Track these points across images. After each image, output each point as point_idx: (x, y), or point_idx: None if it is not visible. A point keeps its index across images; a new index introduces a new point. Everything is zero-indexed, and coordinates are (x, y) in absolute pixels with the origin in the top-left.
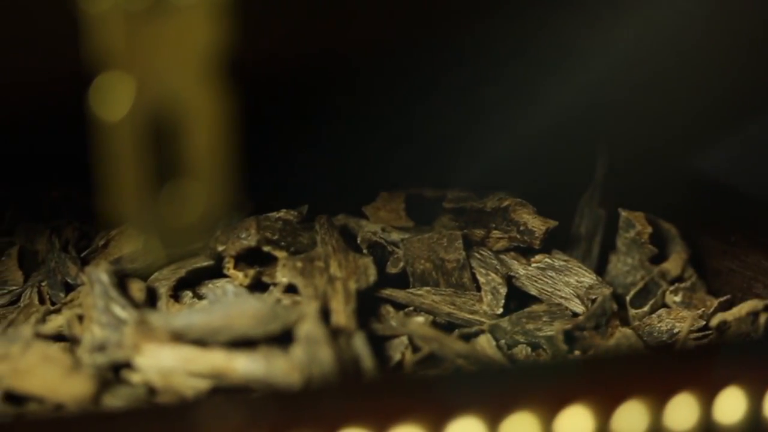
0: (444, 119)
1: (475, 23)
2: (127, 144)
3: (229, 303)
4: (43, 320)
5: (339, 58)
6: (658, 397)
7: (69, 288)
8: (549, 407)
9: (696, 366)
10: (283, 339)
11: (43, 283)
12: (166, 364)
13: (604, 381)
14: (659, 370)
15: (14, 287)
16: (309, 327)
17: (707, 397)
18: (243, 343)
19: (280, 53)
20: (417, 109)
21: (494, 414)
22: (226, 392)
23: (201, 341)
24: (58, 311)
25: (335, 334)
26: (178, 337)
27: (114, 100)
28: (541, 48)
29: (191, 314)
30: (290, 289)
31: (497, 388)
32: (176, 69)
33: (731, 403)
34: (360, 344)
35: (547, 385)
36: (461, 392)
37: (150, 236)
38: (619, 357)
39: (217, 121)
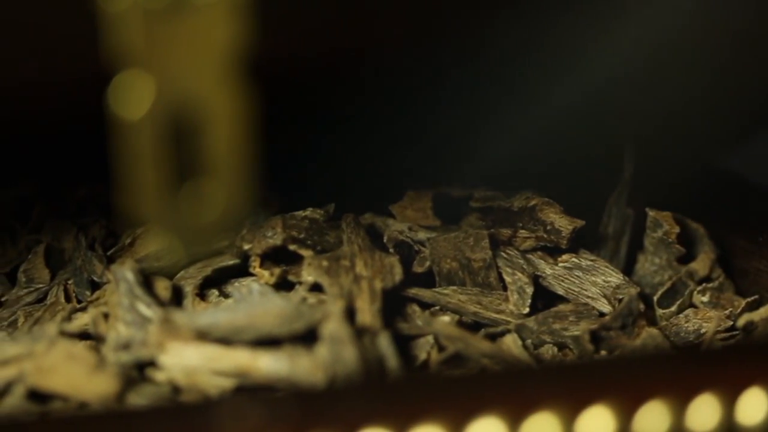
0: (470, 118)
1: (501, 19)
2: (146, 143)
3: (253, 302)
4: (68, 318)
5: (364, 55)
6: (680, 397)
7: (95, 286)
8: (570, 408)
9: (717, 366)
10: (308, 338)
11: (69, 281)
12: (191, 363)
13: (626, 381)
14: (681, 371)
15: (41, 285)
16: (333, 326)
17: (729, 397)
18: (268, 342)
19: (303, 51)
20: (444, 107)
21: (515, 414)
22: (250, 391)
23: (225, 340)
24: (83, 309)
25: (360, 333)
26: (203, 336)
27: (134, 98)
28: (568, 44)
29: (216, 313)
30: (316, 288)
31: (518, 388)
32: (196, 67)
33: (753, 404)
34: (385, 344)
35: (569, 385)
36: (482, 392)
37: (171, 235)
38: (641, 357)
39: (237, 119)
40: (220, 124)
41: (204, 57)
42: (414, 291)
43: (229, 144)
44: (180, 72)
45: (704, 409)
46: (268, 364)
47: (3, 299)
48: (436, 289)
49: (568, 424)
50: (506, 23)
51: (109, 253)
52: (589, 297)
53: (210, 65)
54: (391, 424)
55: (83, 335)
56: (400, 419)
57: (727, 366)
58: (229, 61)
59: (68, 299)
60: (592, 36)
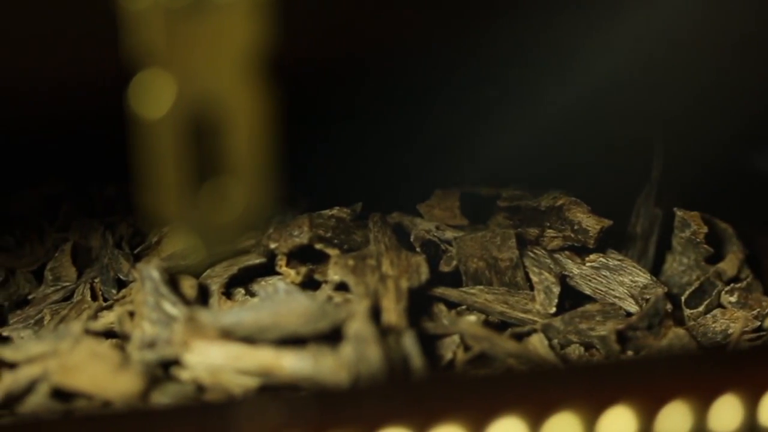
0: (498, 117)
1: (526, 16)
2: (167, 142)
3: (278, 301)
4: (94, 317)
5: (391, 52)
6: (703, 398)
7: (121, 284)
8: (592, 408)
9: (740, 367)
10: (333, 337)
11: (95, 280)
12: (215, 362)
13: (648, 382)
14: (702, 372)
15: (67, 283)
16: (358, 325)
17: (752, 398)
18: (292, 341)
19: (327, 49)
20: (470, 107)
21: (536, 415)
22: (274, 390)
23: (250, 339)
24: (110, 308)
25: (385, 332)
26: (227, 335)
27: (154, 97)
28: (595, 41)
29: (240, 312)
30: (342, 287)
31: (539, 388)
32: (217, 66)
33: None
34: (409, 343)
35: (590, 385)
36: (503, 392)
37: (192, 234)
38: (662, 358)
39: (257, 118)
40: (240, 123)
41: (225, 56)
42: (440, 290)
43: (249, 143)
44: (201, 71)
45: (727, 410)
46: (292, 363)
47: (30, 297)
48: (463, 289)
49: (589, 425)
50: (523, 21)
51: (135, 252)
52: (616, 297)
53: (231, 64)
54: (411, 424)
55: (109, 333)
56: (420, 419)
57: (750, 367)
58: (250, 59)
59: (94, 297)
60: (616, 33)
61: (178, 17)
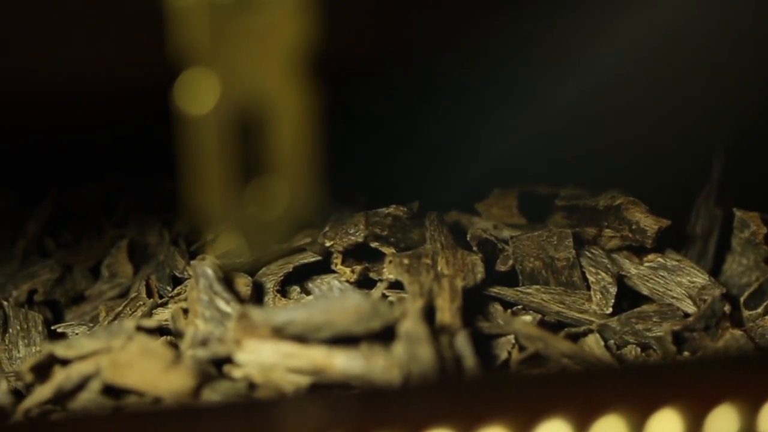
0: (558, 115)
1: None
2: (212, 139)
3: (331, 299)
4: (149, 314)
5: (449, 50)
6: (751, 401)
7: (177, 281)
8: (639, 411)
9: None
10: (386, 336)
11: (151, 277)
12: (267, 360)
13: (696, 385)
14: (752, 375)
15: (123, 280)
16: (410, 325)
17: None
18: (345, 340)
19: (381, 46)
20: (531, 105)
21: (583, 417)
22: (325, 389)
23: (302, 337)
24: (164, 305)
25: (438, 332)
26: (279, 333)
27: (200, 95)
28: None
29: (293, 310)
30: (397, 285)
31: (586, 391)
32: (263, 63)
33: None
34: (462, 343)
35: (637, 388)
36: (549, 395)
37: (238, 234)
38: (711, 360)
39: (304, 116)
40: (287, 121)
41: (270, 52)
42: (496, 290)
43: (295, 141)
44: (246, 68)
45: None
46: (343, 362)
47: (86, 294)
48: (519, 288)
49: (636, 429)
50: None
51: (192, 249)
52: (674, 297)
53: (276, 61)
54: (456, 425)
55: (163, 331)
56: (465, 420)
57: None
58: (296, 56)
59: (150, 294)
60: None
61: (223, 14)
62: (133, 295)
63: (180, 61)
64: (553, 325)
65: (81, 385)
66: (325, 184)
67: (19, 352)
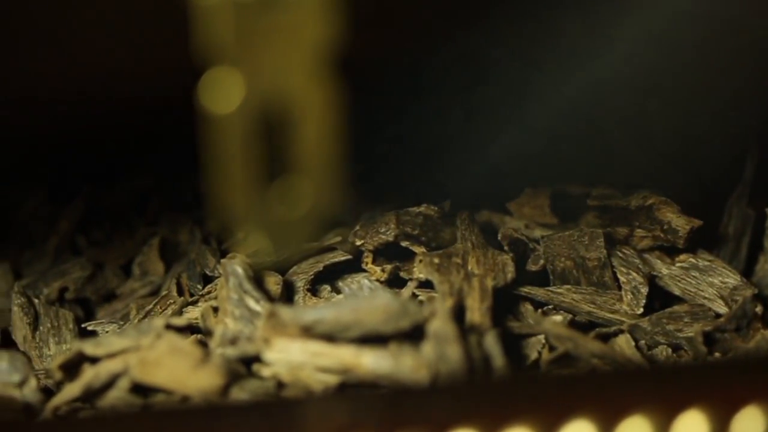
0: (589, 111)
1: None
2: (236, 138)
3: (360, 298)
4: (180, 312)
5: (472, 51)
6: None
7: (207, 280)
8: (664, 412)
9: None
10: (416, 335)
11: (182, 275)
12: (295, 359)
13: (722, 386)
14: None
15: (154, 278)
16: (439, 324)
17: None
18: (374, 339)
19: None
20: (562, 105)
21: (607, 418)
22: (354, 388)
23: (331, 336)
24: (195, 303)
25: (467, 331)
26: (308, 332)
27: (225, 93)
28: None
29: (322, 309)
30: (427, 284)
31: (610, 391)
32: (288, 62)
33: None
34: (491, 343)
35: (662, 389)
36: (574, 395)
37: (262, 234)
38: (736, 361)
39: (329, 114)
40: (312, 119)
41: (295, 51)
42: (527, 289)
43: (320, 140)
44: (271, 66)
45: None
46: (371, 361)
47: (117, 292)
48: (550, 288)
49: (662, 430)
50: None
51: (223, 247)
52: (705, 298)
53: (301, 59)
54: (483, 425)
55: (193, 329)
56: (491, 420)
57: None
58: (321, 55)
59: (180, 293)
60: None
61: (248, 13)
62: (163, 293)
63: (205, 60)
64: (584, 325)
65: (110, 384)
66: (353, 183)
67: (49, 349)
